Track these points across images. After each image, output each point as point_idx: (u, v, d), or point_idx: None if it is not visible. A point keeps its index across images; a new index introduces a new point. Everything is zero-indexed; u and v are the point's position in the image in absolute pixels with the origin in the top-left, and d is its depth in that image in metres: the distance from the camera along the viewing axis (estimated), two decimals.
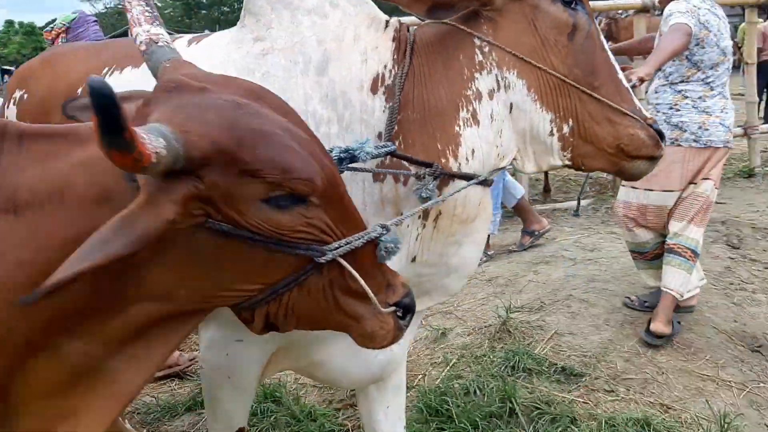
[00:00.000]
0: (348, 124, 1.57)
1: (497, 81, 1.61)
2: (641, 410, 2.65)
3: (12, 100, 2.14)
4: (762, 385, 2.86)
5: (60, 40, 3.98)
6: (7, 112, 2.14)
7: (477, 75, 1.61)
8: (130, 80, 1.84)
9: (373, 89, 1.58)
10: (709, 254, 4.04)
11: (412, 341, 3.37)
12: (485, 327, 3.41)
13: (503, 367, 2.99)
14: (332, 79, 1.58)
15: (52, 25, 4.10)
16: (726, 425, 2.47)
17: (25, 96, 2.11)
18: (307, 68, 1.59)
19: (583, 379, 2.91)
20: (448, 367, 3.11)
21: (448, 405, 2.75)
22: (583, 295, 3.56)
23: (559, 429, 2.58)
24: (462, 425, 2.61)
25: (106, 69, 1.94)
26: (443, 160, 1.58)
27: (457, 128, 1.60)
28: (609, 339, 3.15)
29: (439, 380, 3.01)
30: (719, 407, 2.62)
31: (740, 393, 2.78)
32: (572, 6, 1.62)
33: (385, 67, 1.60)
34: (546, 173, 6.17)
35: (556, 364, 3.00)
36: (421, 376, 3.13)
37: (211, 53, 1.71)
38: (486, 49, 1.61)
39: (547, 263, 4.08)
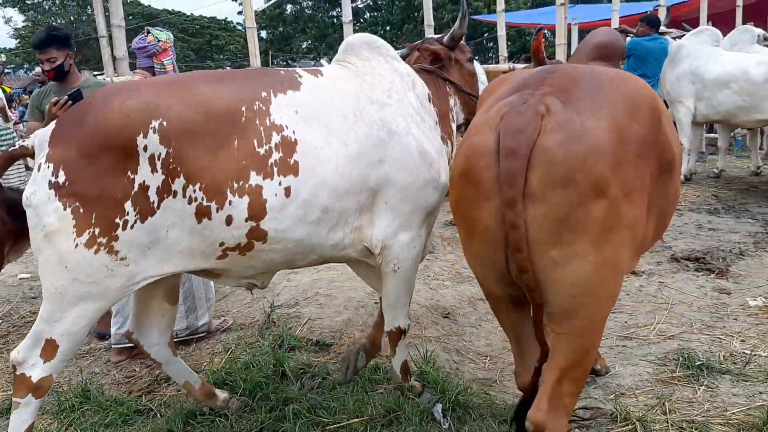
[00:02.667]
0: (427, 119, 3.12)
1: (454, 100, 3.40)
2: (374, 361, 3.73)
3: None
4: (450, 337, 4.15)
5: (170, 53, 4.19)
6: None
7: (450, 97, 3.37)
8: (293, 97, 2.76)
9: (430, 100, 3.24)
10: None
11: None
12: (254, 322, 4.28)
13: (273, 347, 3.88)
14: (418, 93, 3.13)
15: (166, 37, 4.19)
16: (429, 360, 3.64)
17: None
18: (410, 86, 3.12)
19: (332, 347, 3.93)
20: (228, 353, 3.92)
21: (233, 378, 3.56)
22: (327, 292, 4.62)
23: (317, 380, 3.55)
24: (246, 387, 3.44)
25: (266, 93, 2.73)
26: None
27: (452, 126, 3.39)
28: (348, 318, 4.23)
29: (222, 362, 3.80)
30: (424, 352, 3.80)
31: (437, 343, 4.02)
32: (471, 61, 3.52)
33: (424, 88, 3.23)
34: None
35: (312, 340, 3.99)
36: (206, 363, 3.88)
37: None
38: (449, 86, 3.39)
39: (296, 273, 5.07)
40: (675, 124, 8.55)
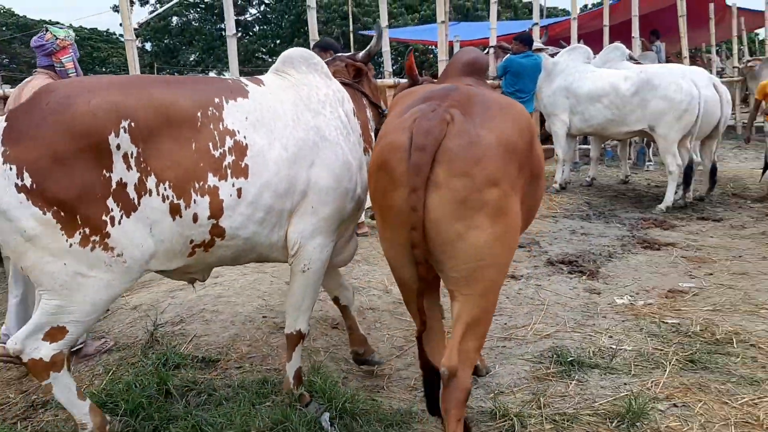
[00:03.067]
0: (352, 134, 3.36)
1: (369, 112, 3.72)
2: (262, 375, 3.73)
3: None
4: (339, 347, 4.20)
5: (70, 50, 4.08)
6: None
7: (366, 109, 3.66)
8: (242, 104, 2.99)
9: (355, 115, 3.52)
10: None
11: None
12: (137, 341, 4.15)
13: (157, 366, 3.78)
14: (346, 109, 3.40)
15: (65, 35, 4.06)
16: (317, 370, 3.67)
17: None
18: (340, 102, 3.39)
19: (219, 363, 3.88)
20: (109, 375, 3.78)
21: (114, 399, 3.44)
22: (213, 308, 4.55)
23: (203, 397, 3.50)
24: (126, 407, 3.33)
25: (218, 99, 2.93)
26: None
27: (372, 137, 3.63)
28: (236, 334, 4.19)
29: (103, 384, 3.66)
30: (312, 362, 3.83)
31: (326, 353, 4.06)
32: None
33: (350, 103, 3.50)
34: None
35: (198, 357, 3.92)
36: (86, 386, 3.73)
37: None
38: (364, 99, 3.70)
39: (182, 290, 4.97)
40: (551, 135, 9.05)
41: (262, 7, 38.13)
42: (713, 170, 8.55)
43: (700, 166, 8.54)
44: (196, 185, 2.75)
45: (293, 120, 3.11)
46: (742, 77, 14.98)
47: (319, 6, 28.65)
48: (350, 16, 22.18)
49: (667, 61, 13.26)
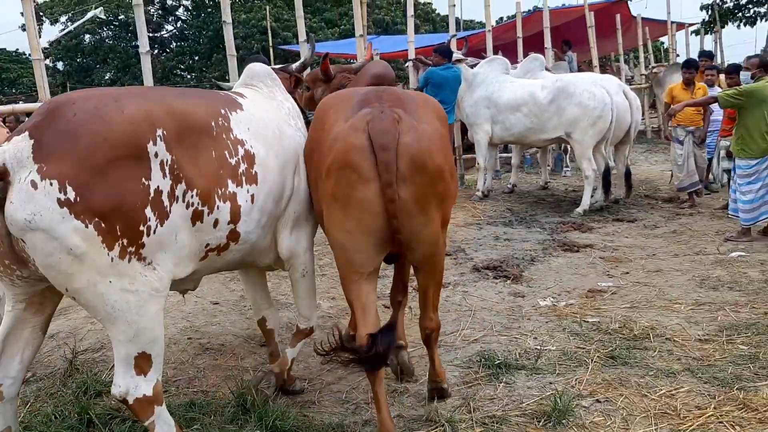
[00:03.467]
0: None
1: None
2: (189, 398, 3.63)
3: None
4: (265, 364, 4.14)
5: None
6: None
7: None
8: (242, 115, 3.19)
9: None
10: (227, 289, 5.33)
11: None
12: (55, 370, 3.98)
13: (77, 395, 3.63)
14: (301, 121, 3.62)
15: None
16: (243, 391, 3.60)
17: None
18: (297, 114, 3.65)
19: None
20: (26, 407, 3.60)
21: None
22: None
23: (128, 424, 3.38)
24: None
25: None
26: None
27: None
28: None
29: (20, 418, 3.48)
30: (243, 381, 3.75)
31: (254, 372, 3.99)
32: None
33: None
34: None
35: None
36: None
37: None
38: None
39: None
40: (473, 144, 9.23)
41: (179, 24, 37.44)
42: (627, 174, 8.93)
43: (614, 170, 8.88)
44: (219, 192, 2.90)
45: (278, 129, 3.36)
46: (649, 84, 15.72)
47: (238, 21, 28.40)
48: (269, 31, 22.07)
49: (579, 70, 13.79)
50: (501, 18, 30.57)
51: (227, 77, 7.88)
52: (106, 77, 35.93)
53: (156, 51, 34.15)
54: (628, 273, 5.75)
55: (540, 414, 3.31)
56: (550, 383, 3.67)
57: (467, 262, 6.18)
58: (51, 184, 2.33)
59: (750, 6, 30.17)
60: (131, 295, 2.53)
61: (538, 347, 4.14)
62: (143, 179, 2.53)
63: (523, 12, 13.35)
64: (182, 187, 2.70)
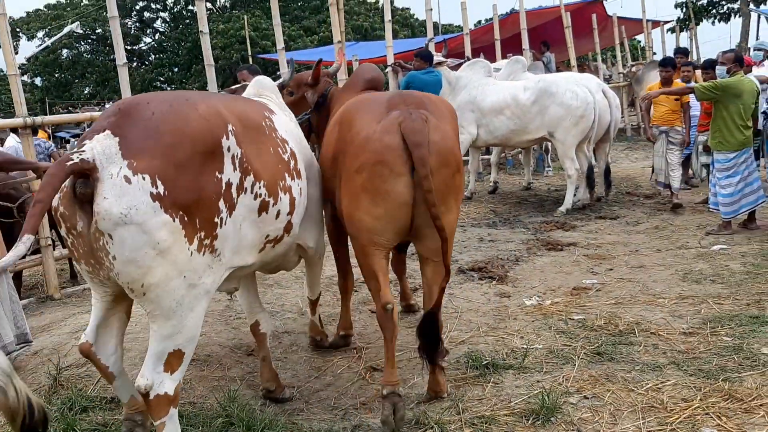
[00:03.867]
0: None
1: None
2: (177, 409, 3.60)
3: None
4: (256, 374, 4.11)
5: None
6: None
7: None
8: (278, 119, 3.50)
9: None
10: (212, 299, 5.30)
11: None
12: (40, 387, 3.93)
13: (62, 411, 3.58)
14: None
15: None
16: (233, 399, 3.58)
17: None
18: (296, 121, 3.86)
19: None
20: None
21: None
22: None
23: None
24: None
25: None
26: None
27: None
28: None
29: None
30: (227, 392, 3.72)
31: (242, 381, 3.96)
32: None
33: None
34: (70, 260, 6.74)
35: (106, 398, 3.74)
36: None
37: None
38: None
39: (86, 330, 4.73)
40: None
41: (157, 36, 37.30)
42: (607, 171, 8.98)
43: (595, 168, 8.94)
44: (281, 184, 3.14)
45: (298, 136, 3.65)
46: (627, 82, 15.86)
47: (216, 32, 28.34)
48: (248, 41, 22.05)
49: (558, 71, 13.88)
50: (479, 21, 30.73)
51: (207, 88, 7.86)
52: (85, 92, 35.72)
53: (135, 63, 33.99)
54: (611, 270, 5.79)
55: (528, 412, 3.32)
56: (538, 381, 3.68)
57: (452, 264, 6.17)
58: (144, 178, 2.44)
59: (723, 2, 30.60)
60: (194, 290, 2.65)
61: (525, 346, 4.15)
62: (217, 173, 2.69)
63: (500, 14, 13.43)
64: (251, 179, 2.88)
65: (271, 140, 3.21)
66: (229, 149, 2.76)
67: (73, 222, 2.51)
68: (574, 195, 8.52)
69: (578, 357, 3.93)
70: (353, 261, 3.89)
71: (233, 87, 4.75)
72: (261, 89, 3.87)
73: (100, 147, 2.45)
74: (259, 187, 2.94)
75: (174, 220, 2.48)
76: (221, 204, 2.69)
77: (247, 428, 3.23)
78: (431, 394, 3.58)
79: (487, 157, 12.23)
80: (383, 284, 3.38)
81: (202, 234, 2.61)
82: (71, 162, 2.39)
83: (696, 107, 8.42)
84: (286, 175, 3.22)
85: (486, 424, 3.26)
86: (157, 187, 2.44)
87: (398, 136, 3.18)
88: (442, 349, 3.52)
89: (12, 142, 8.28)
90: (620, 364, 3.82)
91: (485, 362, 3.92)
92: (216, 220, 2.67)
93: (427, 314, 3.43)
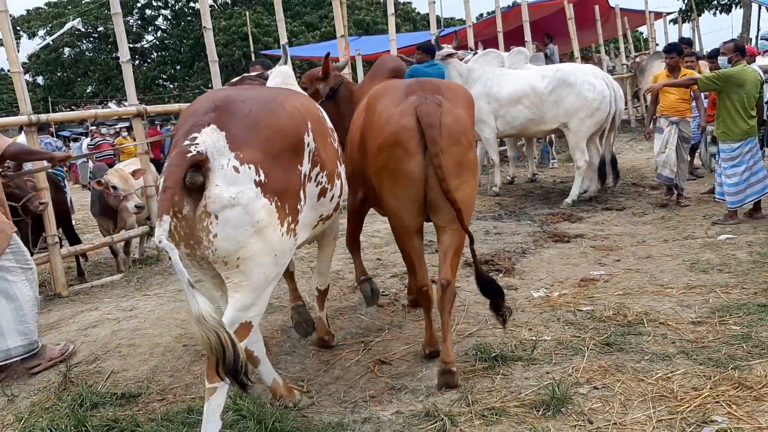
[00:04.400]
0: None
1: None
2: (187, 404, 3.61)
3: None
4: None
5: None
6: None
7: None
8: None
9: None
10: None
11: None
12: (50, 384, 3.94)
13: (73, 408, 3.60)
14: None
15: None
16: (240, 395, 3.57)
17: None
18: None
19: (140, 397, 3.74)
20: (21, 423, 3.57)
21: None
22: (130, 342, 4.38)
23: None
24: None
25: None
26: None
27: None
28: (155, 366, 4.05)
29: None
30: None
31: (252, 375, 3.95)
32: None
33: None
34: (77, 258, 6.76)
35: (117, 393, 3.76)
36: None
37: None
38: None
39: (95, 327, 4.76)
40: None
41: (159, 34, 37.27)
42: (613, 161, 8.93)
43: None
44: (335, 171, 3.50)
45: (330, 125, 3.79)
46: (631, 73, 15.81)
47: (219, 28, 28.30)
48: (250, 37, 22.04)
49: (561, 62, 13.84)
50: (481, 14, 30.65)
51: (210, 84, 7.85)
52: (88, 90, 35.70)
53: (137, 62, 33.96)
54: (619, 261, 5.78)
55: (539, 403, 3.32)
56: (547, 373, 3.67)
57: (461, 258, 6.17)
58: (249, 168, 2.83)
59: None
60: (277, 269, 3.02)
61: (534, 338, 4.15)
62: (299, 165, 3.07)
63: (503, 7, 13.39)
64: (317, 170, 3.25)
65: (328, 132, 3.55)
66: (308, 145, 3.13)
67: (181, 206, 2.81)
68: (582, 186, 8.49)
69: (587, 348, 3.92)
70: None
71: (233, 80, 4.78)
72: (286, 78, 4.17)
73: (210, 140, 2.79)
74: (322, 176, 3.30)
75: (271, 204, 2.86)
76: (301, 193, 3.09)
77: (257, 421, 3.23)
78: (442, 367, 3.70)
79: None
80: (418, 267, 3.75)
81: (290, 219, 2.98)
82: (191, 154, 2.72)
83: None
84: (338, 162, 3.59)
85: (496, 415, 3.26)
86: (259, 176, 2.84)
87: (413, 119, 3.47)
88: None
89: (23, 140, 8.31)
90: (629, 355, 3.81)
91: (494, 354, 3.92)
92: (298, 207, 3.05)
93: (478, 276, 3.88)
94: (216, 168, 2.77)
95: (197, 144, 2.75)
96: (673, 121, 7.73)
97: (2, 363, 4.10)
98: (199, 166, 2.76)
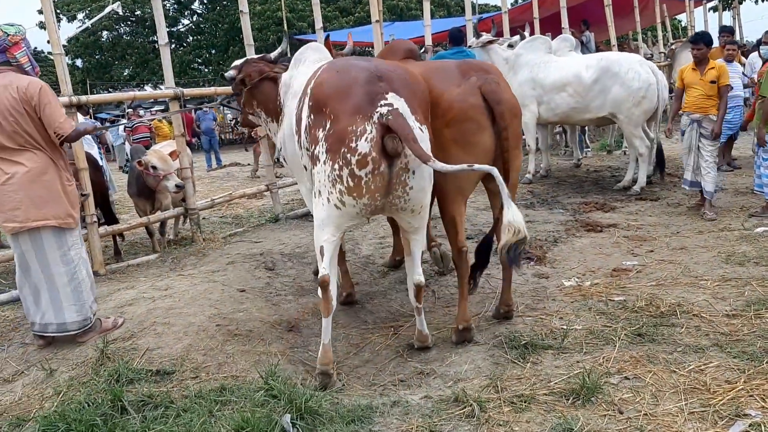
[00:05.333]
0: None
1: None
2: (220, 383, 3.68)
3: None
4: (296, 349, 4.18)
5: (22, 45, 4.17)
6: None
7: None
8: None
9: None
10: (253, 276, 5.39)
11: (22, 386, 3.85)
12: (87, 360, 4.04)
13: (109, 382, 3.69)
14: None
15: (15, 31, 4.16)
16: (274, 374, 3.64)
17: None
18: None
19: (174, 374, 3.81)
20: (60, 396, 3.67)
21: (67, 420, 3.34)
22: (165, 320, 4.45)
23: (161, 409, 3.44)
24: (80, 428, 3.24)
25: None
26: None
27: None
28: (189, 344, 4.12)
29: (53, 408, 3.56)
30: (268, 366, 3.78)
31: (283, 357, 4.03)
32: None
33: None
34: (114, 237, 6.90)
35: (152, 370, 3.84)
36: (35, 409, 3.62)
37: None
38: None
39: (131, 305, 4.86)
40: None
41: (195, 18, 37.55)
42: (659, 150, 8.80)
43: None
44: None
45: None
46: (668, 62, 15.50)
47: (253, 13, 28.38)
48: (285, 22, 22.06)
49: (597, 50, 13.62)
50: (515, 0, 30.26)
51: None
52: (125, 73, 36.16)
53: (173, 45, 34.24)
54: (652, 251, 5.71)
55: (569, 392, 3.32)
56: (578, 362, 3.66)
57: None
58: (423, 129, 3.56)
59: None
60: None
61: (564, 327, 4.13)
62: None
63: None
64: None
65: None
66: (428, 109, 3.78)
67: (379, 164, 3.42)
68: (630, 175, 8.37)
69: (619, 338, 3.90)
70: None
71: (237, 63, 5.13)
72: (323, 55, 4.68)
73: (401, 105, 3.44)
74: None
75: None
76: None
77: (289, 401, 3.29)
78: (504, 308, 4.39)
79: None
80: (461, 230, 4.08)
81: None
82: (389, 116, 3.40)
83: (738, 87, 8.05)
84: None
85: (525, 402, 3.27)
86: (428, 134, 3.60)
87: (480, 97, 3.94)
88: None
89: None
90: (662, 346, 3.78)
91: (524, 342, 3.92)
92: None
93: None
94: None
95: (396, 108, 3.41)
96: (695, 119, 6.91)
97: (58, 335, 4.29)
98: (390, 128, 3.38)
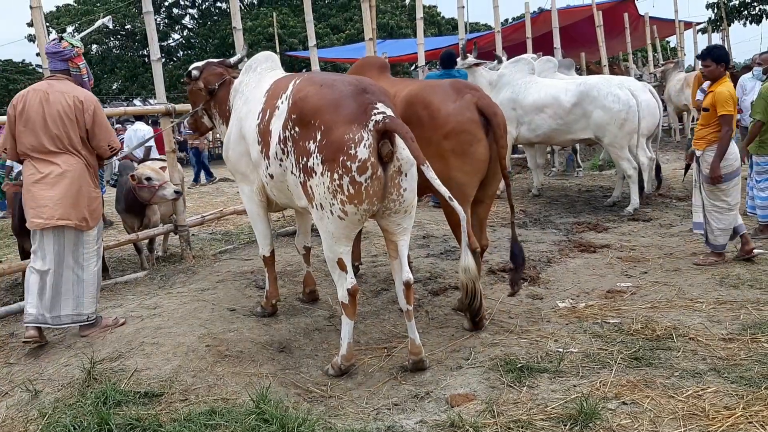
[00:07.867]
0: None
1: None
2: (209, 406, 3.58)
3: None
4: (288, 371, 4.10)
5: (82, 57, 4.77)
6: None
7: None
8: None
9: None
10: (243, 295, 5.30)
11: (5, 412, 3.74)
12: (73, 381, 3.94)
13: (96, 404, 3.59)
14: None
15: (78, 44, 4.74)
16: (263, 398, 3.55)
17: None
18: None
19: (163, 397, 3.72)
20: (45, 418, 3.57)
21: None
22: (153, 340, 4.36)
23: None
24: None
25: None
26: None
27: None
28: (178, 365, 4.02)
29: (38, 429, 3.46)
30: (260, 389, 3.69)
31: (274, 379, 3.95)
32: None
33: None
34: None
35: (140, 392, 3.74)
36: None
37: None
38: None
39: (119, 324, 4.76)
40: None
41: (185, 32, 37.58)
42: (657, 169, 8.87)
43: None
44: None
45: None
46: (658, 83, 15.62)
47: (245, 29, 28.38)
48: (276, 38, 22.10)
49: (588, 70, 13.72)
50: (506, 20, 30.50)
51: None
52: (114, 87, 36.06)
53: (163, 60, 34.19)
54: (646, 273, 5.69)
55: (566, 417, 3.25)
56: (575, 386, 3.61)
57: (482, 264, 6.11)
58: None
59: (755, 4, 30.06)
60: None
61: (560, 349, 4.08)
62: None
63: (531, 12, 13.29)
64: None
65: None
66: None
67: (377, 169, 3.57)
68: (611, 197, 8.38)
69: (615, 362, 3.85)
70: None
71: (198, 64, 5.40)
72: (273, 64, 4.95)
73: (389, 113, 3.64)
74: None
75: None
76: None
77: (281, 426, 3.20)
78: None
79: (516, 156, 12.11)
80: (471, 232, 4.21)
81: None
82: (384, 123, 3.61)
83: (747, 110, 7.99)
84: None
85: (522, 428, 3.20)
86: None
87: (476, 112, 4.36)
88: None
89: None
90: (659, 370, 3.73)
91: (519, 365, 3.86)
92: None
93: (514, 244, 4.78)
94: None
95: (391, 117, 3.60)
96: (697, 155, 5.87)
97: (65, 326, 4.61)
98: (386, 134, 3.58)
